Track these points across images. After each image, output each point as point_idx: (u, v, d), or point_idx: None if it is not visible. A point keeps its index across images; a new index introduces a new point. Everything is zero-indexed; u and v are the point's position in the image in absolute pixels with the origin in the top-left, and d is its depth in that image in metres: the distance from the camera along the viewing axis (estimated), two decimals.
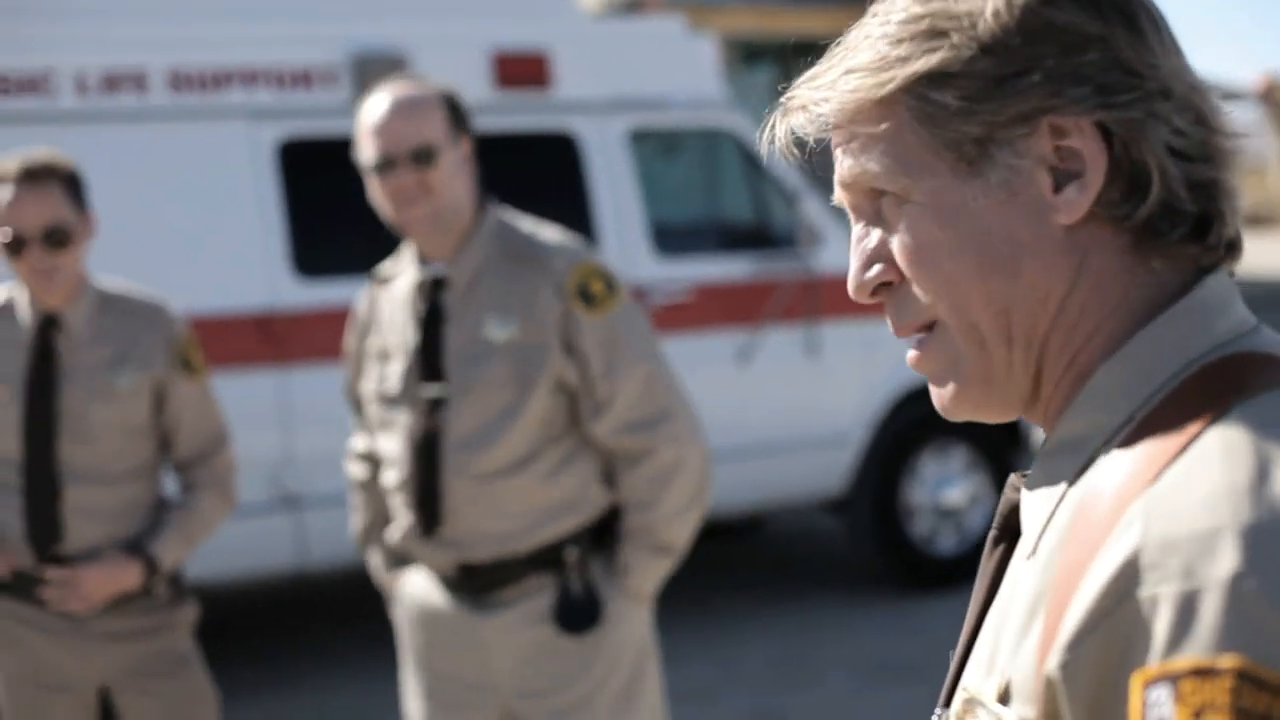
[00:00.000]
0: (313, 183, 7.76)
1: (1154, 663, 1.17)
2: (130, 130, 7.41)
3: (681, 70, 8.73)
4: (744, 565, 9.80)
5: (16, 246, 4.22)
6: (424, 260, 4.05)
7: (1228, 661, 1.14)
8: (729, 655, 7.68)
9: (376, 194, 4.00)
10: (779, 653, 7.98)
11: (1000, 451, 9.05)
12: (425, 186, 3.92)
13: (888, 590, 8.90)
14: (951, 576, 8.79)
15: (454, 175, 3.96)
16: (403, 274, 4.14)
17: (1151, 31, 1.38)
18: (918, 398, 8.84)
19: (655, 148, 9.50)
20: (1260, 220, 30.80)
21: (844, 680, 7.54)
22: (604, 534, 4.08)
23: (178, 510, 4.40)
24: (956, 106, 1.37)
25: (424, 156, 3.91)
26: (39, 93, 7.27)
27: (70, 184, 4.26)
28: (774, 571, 9.72)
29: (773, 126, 1.47)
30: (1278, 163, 29.70)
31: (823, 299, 8.57)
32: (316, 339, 7.57)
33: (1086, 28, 1.36)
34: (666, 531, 3.97)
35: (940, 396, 1.46)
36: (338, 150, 7.88)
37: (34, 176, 4.21)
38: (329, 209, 7.84)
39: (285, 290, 7.57)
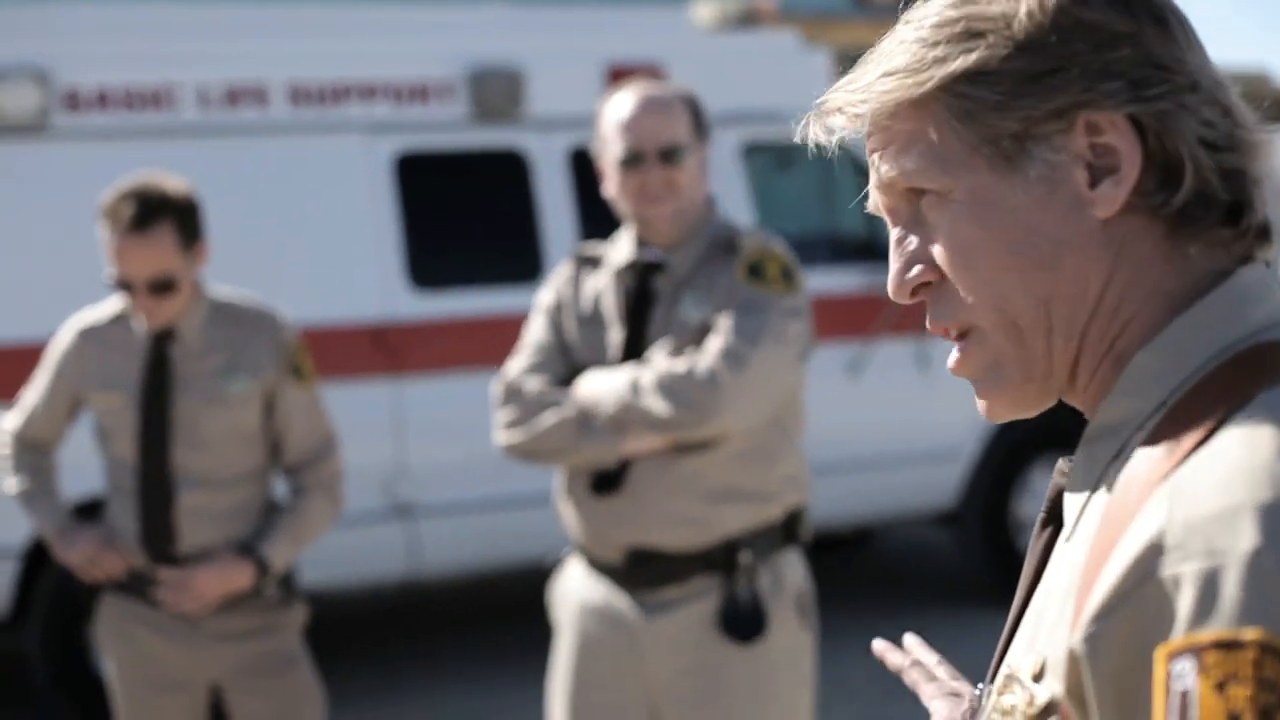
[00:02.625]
0: (429, 196, 7.85)
1: (1178, 636, 1.21)
2: (250, 144, 7.53)
3: (796, 83, 8.71)
4: (853, 578, 9.79)
5: (124, 287, 4.32)
6: (642, 243, 4.09)
7: (1251, 634, 1.18)
8: (836, 667, 7.67)
9: (618, 187, 4.04)
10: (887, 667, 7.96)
11: None
12: (671, 184, 3.99)
13: (997, 604, 8.85)
14: None
15: (696, 176, 4.04)
16: (618, 255, 4.14)
17: (1178, 28, 1.43)
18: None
19: (768, 161, 9.52)
20: None
21: None
22: (785, 535, 4.04)
23: (287, 513, 4.49)
24: (995, 102, 1.42)
25: (672, 155, 3.98)
26: (161, 107, 7.40)
27: (183, 218, 4.32)
28: (883, 585, 9.70)
29: (805, 128, 1.53)
30: None
31: None
32: (431, 350, 7.67)
33: (1117, 25, 1.40)
34: None
35: (982, 401, 1.50)
36: (454, 164, 8.00)
37: (143, 224, 4.26)
38: (444, 222, 7.93)
39: (401, 302, 7.66)
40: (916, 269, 1.50)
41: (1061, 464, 1.50)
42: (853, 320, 8.40)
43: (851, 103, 1.48)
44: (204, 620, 4.43)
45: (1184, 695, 1.20)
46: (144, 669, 4.49)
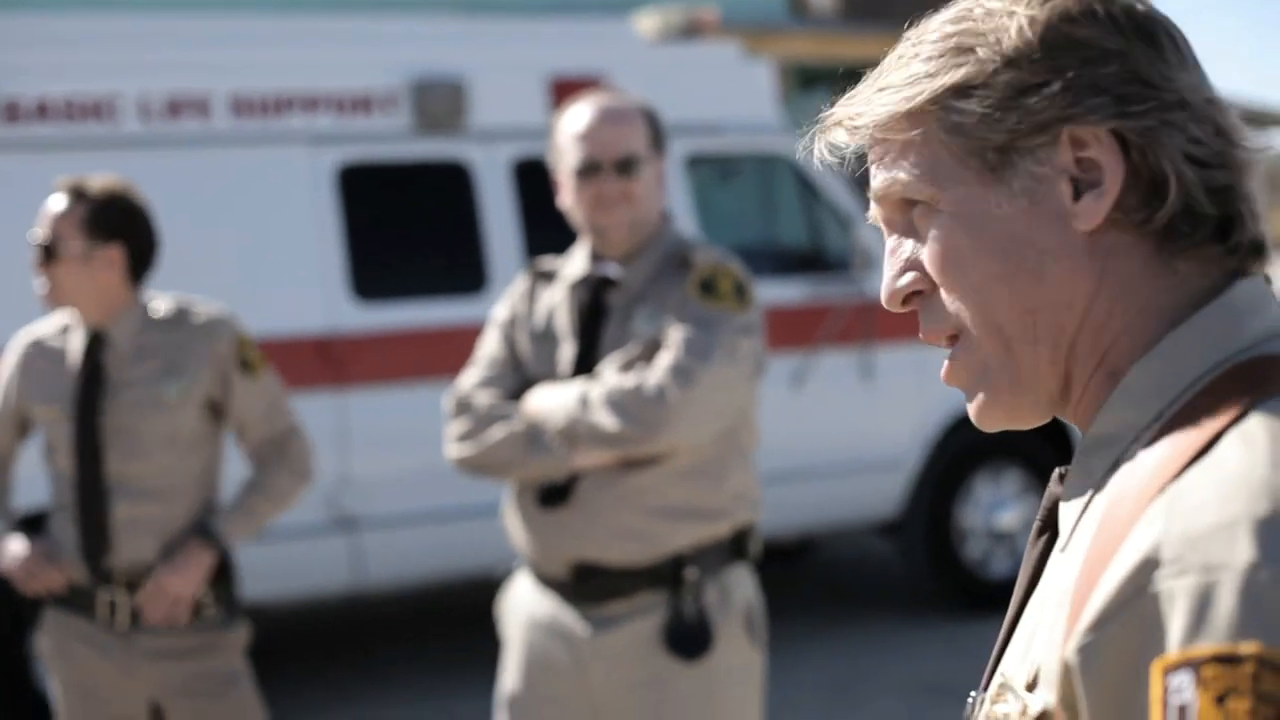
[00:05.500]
0: (372, 207, 7.85)
1: (1174, 651, 1.22)
2: (192, 155, 7.50)
3: (738, 95, 8.77)
4: (796, 588, 9.82)
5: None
6: (597, 257, 4.09)
7: (1249, 648, 1.19)
8: (781, 678, 7.70)
9: (573, 197, 4.05)
10: (831, 676, 8.00)
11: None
12: (626, 195, 3.99)
13: (940, 613, 8.91)
14: (1005, 599, 8.71)
15: (651, 188, 4.05)
16: (572, 269, 4.16)
17: (1170, 48, 1.45)
18: (971, 421, 8.85)
19: (711, 172, 9.54)
20: None
21: (896, 703, 7.55)
22: (734, 552, 4.03)
23: (246, 489, 4.51)
24: (980, 115, 1.45)
25: (628, 166, 3.99)
26: (103, 118, 7.37)
27: (97, 210, 4.40)
28: (826, 595, 9.73)
29: (811, 142, 1.56)
30: None
31: (877, 322, 8.60)
32: (375, 362, 7.65)
33: (1106, 42, 1.43)
34: None
35: (972, 408, 1.53)
36: (397, 175, 8.00)
37: (72, 192, 4.42)
38: (388, 233, 7.93)
39: (344, 314, 7.65)
40: (907, 277, 1.52)
41: (1057, 474, 1.51)
42: (796, 331, 8.42)
43: (850, 115, 1.52)
44: (140, 637, 4.40)
45: (1182, 709, 1.21)
46: (86, 690, 4.45)
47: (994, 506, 8.99)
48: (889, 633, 8.72)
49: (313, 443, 4.66)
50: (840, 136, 1.53)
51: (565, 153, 4.05)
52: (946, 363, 1.53)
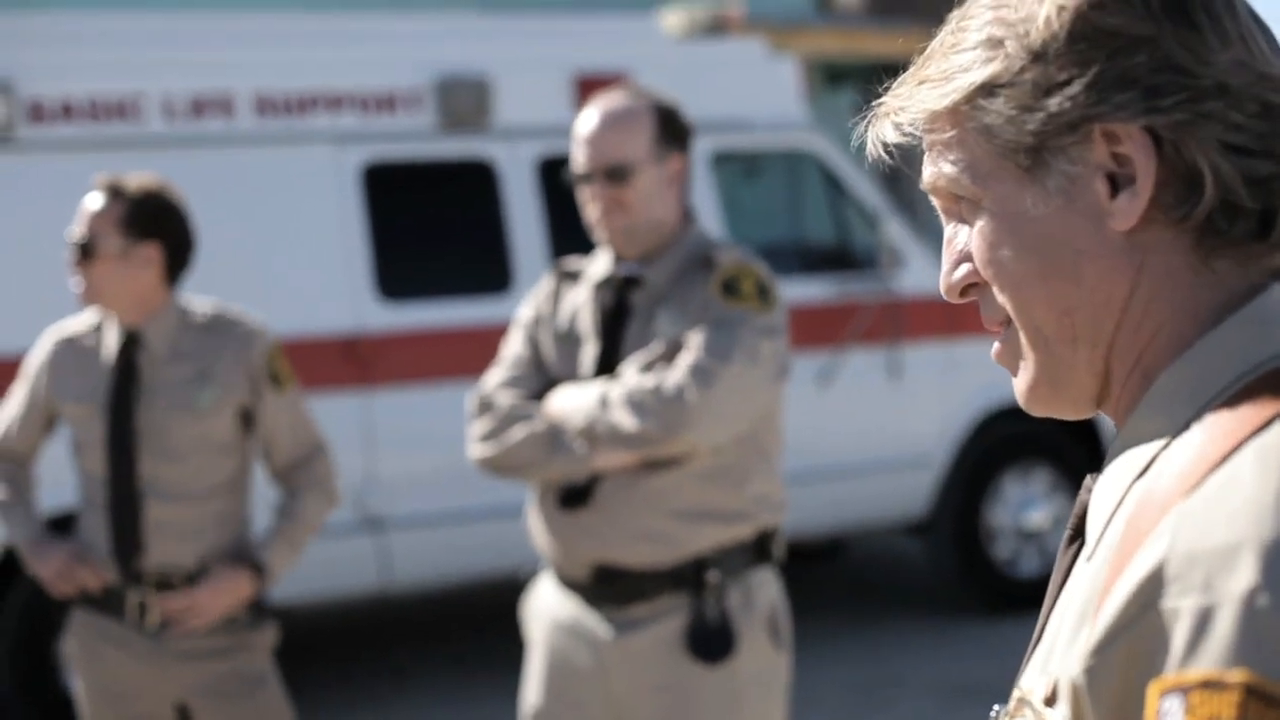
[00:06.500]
0: (397, 206, 7.82)
1: (1169, 673, 1.20)
2: (217, 155, 7.49)
3: (763, 92, 8.73)
4: (825, 588, 9.78)
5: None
6: (620, 258, 4.06)
7: (1236, 675, 1.16)
8: (809, 678, 7.66)
9: (582, 201, 4.07)
10: (859, 675, 7.96)
11: (1083, 473, 8.96)
12: (618, 203, 3.96)
13: (969, 613, 8.86)
14: (1034, 599, 8.69)
15: (653, 192, 3.99)
16: (596, 269, 4.13)
17: (1208, 24, 1.37)
18: (1000, 419, 8.81)
19: (737, 169, 9.51)
20: None
21: (924, 703, 7.51)
22: (757, 555, 4.00)
23: (282, 518, 4.49)
24: (1007, 116, 1.40)
25: (618, 174, 3.95)
26: (127, 118, 7.36)
27: (135, 209, 4.40)
28: (855, 594, 9.69)
29: (865, 131, 1.51)
30: None
31: (904, 321, 8.56)
32: (400, 361, 7.64)
33: (1135, 29, 1.36)
34: None
35: (1016, 390, 1.49)
36: (421, 174, 7.97)
37: (110, 191, 4.42)
38: (413, 232, 7.90)
39: (369, 313, 7.63)
40: (962, 269, 1.48)
41: (1089, 480, 1.46)
42: (823, 330, 8.39)
43: (895, 109, 1.47)
44: (169, 638, 4.40)
45: None
46: (111, 690, 4.45)
47: (1023, 505, 8.94)
48: (917, 633, 8.68)
49: (336, 456, 4.64)
50: (889, 131, 1.48)
51: (573, 156, 4.06)
52: (997, 344, 1.49)
